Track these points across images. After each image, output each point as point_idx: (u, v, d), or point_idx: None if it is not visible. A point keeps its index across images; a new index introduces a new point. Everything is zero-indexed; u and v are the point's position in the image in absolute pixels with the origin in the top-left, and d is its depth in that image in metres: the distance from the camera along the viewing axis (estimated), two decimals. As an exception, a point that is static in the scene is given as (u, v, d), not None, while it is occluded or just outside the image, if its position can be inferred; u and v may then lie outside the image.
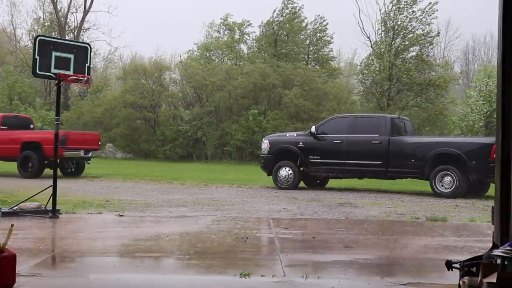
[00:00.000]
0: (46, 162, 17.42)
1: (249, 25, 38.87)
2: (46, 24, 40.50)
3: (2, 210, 8.74)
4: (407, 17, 31.55)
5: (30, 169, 17.30)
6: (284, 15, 36.64)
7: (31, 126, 19.59)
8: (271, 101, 32.42)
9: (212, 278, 5.16)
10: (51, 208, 8.68)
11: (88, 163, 18.72)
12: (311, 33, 37.60)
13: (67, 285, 4.79)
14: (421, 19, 31.43)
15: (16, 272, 4.57)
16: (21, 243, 6.34)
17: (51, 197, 8.69)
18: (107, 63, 49.40)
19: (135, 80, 34.53)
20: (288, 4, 36.53)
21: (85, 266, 5.70)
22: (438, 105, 31.34)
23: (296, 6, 36.67)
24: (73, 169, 18.55)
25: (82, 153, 17.76)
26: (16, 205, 8.99)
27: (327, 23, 37.18)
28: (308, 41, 37.57)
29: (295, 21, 36.81)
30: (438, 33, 33.92)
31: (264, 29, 37.25)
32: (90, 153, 18.22)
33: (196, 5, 77.25)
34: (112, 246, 6.75)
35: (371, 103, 32.01)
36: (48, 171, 17.75)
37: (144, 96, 33.83)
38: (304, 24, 37.33)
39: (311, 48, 37.77)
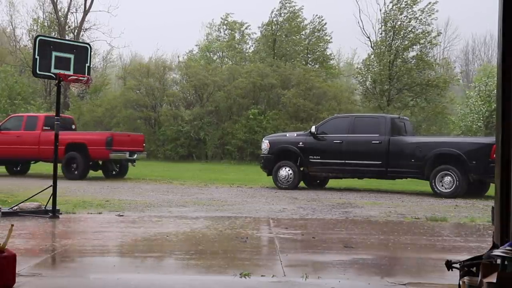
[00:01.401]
0: (90, 163, 17.19)
1: (248, 26, 38.97)
2: (46, 24, 40.47)
3: (2, 210, 8.75)
4: (407, 17, 31.59)
5: (75, 171, 16.98)
6: (282, 15, 36.69)
7: (73, 126, 19.17)
8: (270, 101, 32.46)
9: (212, 278, 5.16)
10: (51, 208, 8.68)
11: (134, 165, 18.29)
12: (310, 32, 37.65)
13: (67, 285, 4.79)
14: (421, 19, 31.48)
15: (16, 272, 4.56)
16: (21, 243, 6.34)
17: (51, 197, 8.68)
18: (106, 63, 49.42)
19: (137, 79, 34.54)
20: (286, 4, 36.56)
21: (85, 266, 5.70)
22: (438, 105, 31.36)
23: (294, 6, 36.74)
24: (116, 171, 18.15)
25: (127, 155, 17.35)
26: (16, 205, 8.99)
27: (325, 23, 37.28)
28: (307, 41, 37.61)
29: (294, 21, 36.87)
30: (439, 33, 33.98)
31: (263, 30, 37.30)
32: (135, 155, 17.75)
33: (196, 6, 77.29)
34: (112, 246, 6.75)
35: (371, 103, 32.03)
36: (91, 172, 17.61)
37: (145, 95, 33.85)
38: (303, 24, 37.38)
39: (310, 48, 37.81)
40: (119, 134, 19.26)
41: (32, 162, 19.08)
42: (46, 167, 19.57)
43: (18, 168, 19.26)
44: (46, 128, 17.86)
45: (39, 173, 18.65)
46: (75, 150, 16.98)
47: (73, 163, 17.05)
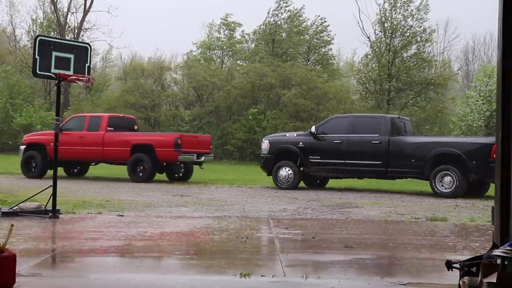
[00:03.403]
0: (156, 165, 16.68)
1: (247, 26, 39.03)
2: (45, 24, 40.46)
3: (2, 210, 8.74)
4: (403, 15, 31.67)
5: (140, 173, 16.49)
6: (279, 15, 36.74)
7: (135, 127, 18.60)
8: (270, 101, 32.48)
9: (212, 278, 5.15)
10: (51, 208, 8.67)
11: (202, 168, 17.66)
12: (312, 33, 37.66)
13: (67, 285, 4.79)
14: (416, 17, 31.56)
15: (16, 272, 4.56)
16: (21, 243, 6.34)
17: (51, 197, 8.68)
18: (106, 63, 49.41)
19: (137, 79, 34.57)
20: (282, 4, 36.57)
21: (85, 266, 5.70)
22: (437, 105, 31.37)
23: (292, 6, 36.81)
24: (181, 174, 17.50)
25: (194, 157, 16.64)
26: (16, 205, 8.98)
27: (328, 24, 37.31)
28: (308, 41, 37.63)
29: (295, 21, 36.88)
30: (435, 29, 34.04)
31: (261, 30, 37.32)
32: (203, 157, 16.98)
33: (196, 6, 77.29)
34: (112, 246, 6.74)
35: (370, 102, 32.04)
36: (158, 175, 17.09)
37: (144, 96, 33.85)
38: (304, 25, 37.41)
39: (311, 48, 37.82)
40: (188, 135, 18.73)
41: (92, 164, 18.52)
42: (105, 170, 19.22)
43: (76, 170, 18.70)
44: (110, 128, 17.33)
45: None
46: (142, 152, 16.50)
47: (139, 165, 16.53)
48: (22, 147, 18.04)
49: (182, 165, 17.37)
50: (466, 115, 32.23)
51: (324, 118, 20.92)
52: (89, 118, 17.97)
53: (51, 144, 17.12)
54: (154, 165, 16.53)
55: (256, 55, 37.56)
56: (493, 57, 49.14)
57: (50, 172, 17.63)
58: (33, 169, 17.43)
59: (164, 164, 17.08)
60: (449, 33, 48.44)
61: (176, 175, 17.51)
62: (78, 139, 17.17)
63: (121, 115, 20.98)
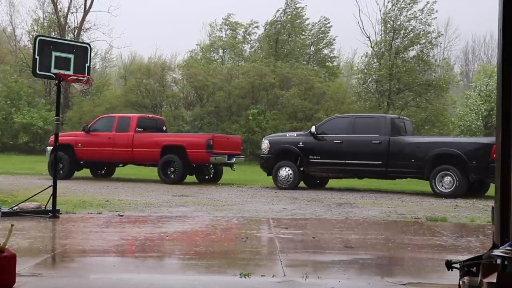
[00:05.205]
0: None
1: (249, 25, 38.92)
2: (45, 24, 40.44)
3: (2, 210, 8.73)
4: (407, 17, 31.63)
5: (171, 175, 16.21)
6: (286, 15, 36.71)
7: (164, 128, 18.31)
8: (269, 101, 32.49)
9: (212, 278, 5.16)
10: (51, 208, 8.68)
11: (233, 170, 17.44)
12: (314, 33, 37.65)
13: (67, 285, 4.79)
14: (420, 19, 31.52)
15: (16, 272, 4.56)
16: (21, 243, 6.34)
17: (51, 197, 8.68)
18: (106, 63, 49.39)
19: (137, 79, 34.57)
20: (291, 4, 36.58)
21: (85, 266, 5.70)
22: (437, 106, 31.37)
23: (299, 7, 36.76)
24: (211, 176, 17.21)
25: (226, 159, 16.39)
26: (16, 205, 8.98)
27: (331, 25, 37.28)
28: (308, 41, 37.62)
29: (297, 21, 36.88)
30: (439, 34, 33.99)
31: (266, 29, 37.29)
32: (233, 158, 16.74)
33: (196, 5, 77.26)
34: (112, 246, 6.75)
35: (371, 103, 32.03)
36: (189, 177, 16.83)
37: (146, 95, 33.87)
38: (305, 25, 37.41)
39: (313, 49, 37.80)
40: (219, 136, 18.55)
41: (120, 165, 18.23)
42: (132, 171, 19.04)
43: (103, 172, 18.47)
44: (139, 129, 17.02)
45: (38, 173, 18.64)
46: (173, 153, 16.21)
47: (170, 167, 16.25)
48: (49, 148, 17.62)
49: (211, 167, 17.15)
50: (465, 115, 32.23)
51: (322, 118, 20.89)
52: (118, 118, 17.65)
53: (79, 145, 17.22)
54: (185, 166, 16.26)
55: (258, 54, 37.54)
56: (493, 57, 49.13)
57: (77, 174, 17.72)
58: (60, 171, 16.73)
59: (194, 165, 16.79)
60: (449, 33, 48.40)
61: (206, 177, 17.24)
62: (107, 140, 16.97)
63: (150, 115, 20.64)
